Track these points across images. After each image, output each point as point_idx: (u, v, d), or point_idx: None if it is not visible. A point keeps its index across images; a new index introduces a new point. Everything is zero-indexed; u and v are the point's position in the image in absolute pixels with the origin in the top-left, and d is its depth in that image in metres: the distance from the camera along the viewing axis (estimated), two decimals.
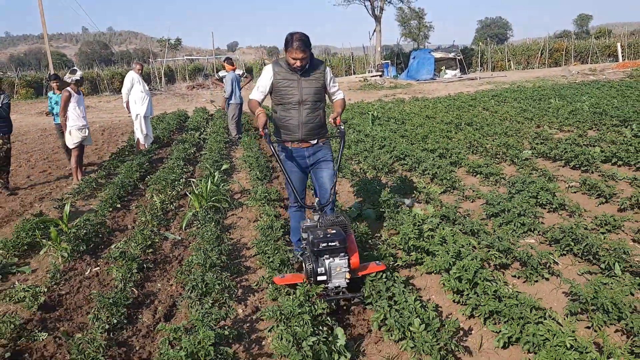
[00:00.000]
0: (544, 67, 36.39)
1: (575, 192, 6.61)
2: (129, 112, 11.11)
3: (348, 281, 3.89)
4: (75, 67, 10.15)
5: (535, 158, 8.42)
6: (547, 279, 4.20)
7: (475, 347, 3.40)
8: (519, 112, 13.51)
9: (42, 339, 3.77)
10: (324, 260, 3.86)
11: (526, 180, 6.57)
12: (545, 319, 3.23)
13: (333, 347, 3.16)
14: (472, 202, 6.52)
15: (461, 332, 3.56)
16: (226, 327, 3.60)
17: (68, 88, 8.55)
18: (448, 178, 7.15)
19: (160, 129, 13.74)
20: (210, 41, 35.55)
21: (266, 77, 4.45)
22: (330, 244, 3.79)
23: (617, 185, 6.69)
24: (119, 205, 7.15)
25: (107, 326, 3.75)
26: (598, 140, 9.01)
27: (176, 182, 7.77)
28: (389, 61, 34.81)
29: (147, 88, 11.13)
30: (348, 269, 3.86)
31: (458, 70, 31.74)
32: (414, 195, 6.75)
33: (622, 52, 34.47)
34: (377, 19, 34.35)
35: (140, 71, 11.00)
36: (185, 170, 8.84)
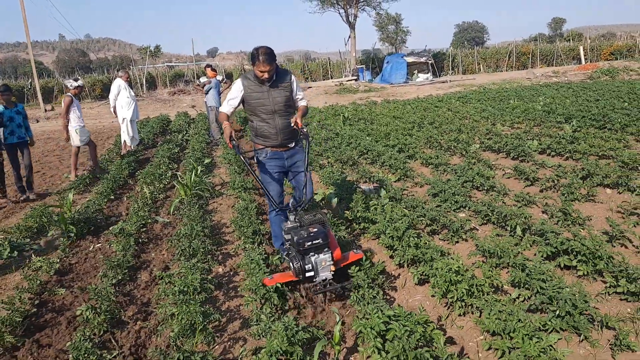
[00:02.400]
0: (512, 69, 37.90)
1: (509, 178, 7.70)
2: (116, 116, 12.02)
3: (333, 273, 4.15)
4: (77, 77, 11.14)
5: (482, 151, 9.53)
6: (466, 240, 5.27)
7: (400, 285, 4.46)
8: (479, 111, 14.66)
9: (61, 293, 4.74)
10: (309, 257, 4.08)
11: (465, 168, 7.68)
12: (446, 259, 4.28)
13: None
14: (420, 187, 7.58)
15: (392, 277, 4.61)
16: (209, 278, 4.61)
17: (69, 93, 9.54)
18: (402, 168, 8.21)
19: (145, 132, 14.65)
20: (190, 47, 36.42)
21: (236, 91, 4.73)
22: (314, 242, 4.02)
23: (546, 171, 7.81)
24: (112, 197, 8.10)
25: (113, 281, 4.73)
26: (539, 135, 10.17)
27: (163, 176, 8.74)
28: (363, 66, 35.99)
29: (133, 94, 12.05)
30: (332, 262, 4.11)
31: (430, 73, 32.98)
32: (367, 182, 7.80)
33: (585, 55, 36.11)
34: (352, 26, 35.48)
35: (126, 79, 11.94)
36: (170, 167, 9.79)
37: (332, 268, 4.10)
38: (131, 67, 38.08)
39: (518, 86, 24.00)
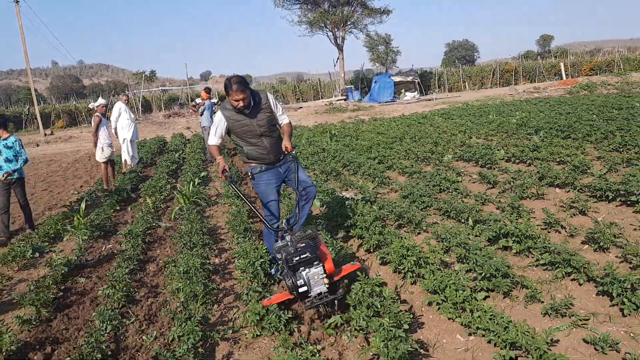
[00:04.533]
0: (497, 86, 39.20)
1: (474, 182, 8.62)
2: (117, 137, 12.92)
3: (328, 287, 4.10)
4: (100, 97, 12.34)
5: (455, 160, 10.47)
6: (427, 231, 6.15)
7: (368, 266, 5.34)
8: (458, 126, 15.64)
9: (82, 282, 5.59)
10: (301, 272, 4.09)
11: (434, 174, 8.62)
12: (401, 240, 5.18)
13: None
14: (395, 192, 8.48)
15: (361, 261, 5.49)
16: (208, 262, 5.49)
17: (97, 113, 10.57)
18: (379, 177, 9.12)
19: (144, 152, 15.58)
20: (183, 71, 37.59)
21: (219, 123, 4.89)
22: (302, 256, 4.04)
23: (507, 176, 8.73)
24: (118, 208, 8.96)
25: (126, 270, 5.57)
26: (506, 145, 11.13)
27: (163, 189, 9.61)
28: (352, 86, 37.27)
29: (132, 116, 12.98)
30: (325, 275, 4.09)
31: (417, 92, 34.16)
32: (348, 189, 8.70)
33: (566, 71, 37.47)
34: (340, 48, 36.82)
35: (126, 101, 12.89)
36: (169, 181, 10.67)
37: (326, 281, 4.09)
38: (127, 91, 39.14)
39: (500, 102, 25.01)
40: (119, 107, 12.63)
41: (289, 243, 4.29)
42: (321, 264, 4.13)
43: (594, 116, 14.36)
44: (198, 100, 14.69)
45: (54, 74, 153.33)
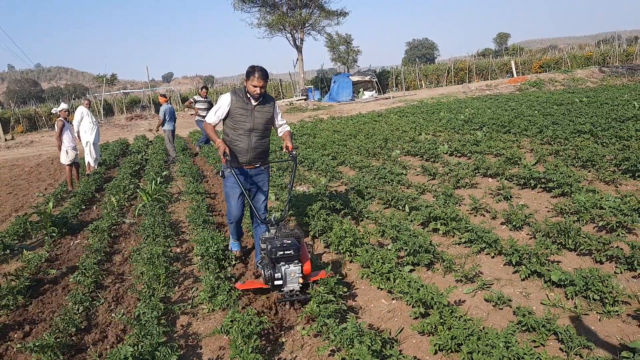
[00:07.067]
0: (452, 84, 40.49)
1: (417, 175, 9.39)
2: (80, 140, 13.28)
3: (301, 285, 4.41)
4: (61, 101, 12.59)
5: (403, 155, 11.24)
6: (368, 218, 6.85)
7: (314, 250, 6.00)
8: (410, 123, 16.47)
9: (53, 273, 6.09)
10: (280, 266, 4.36)
11: (380, 168, 9.35)
12: (344, 225, 5.85)
13: (230, 255, 5.66)
14: (345, 185, 9.17)
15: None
16: (169, 250, 6.06)
17: (60, 118, 10.93)
18: (331, 171, 9.80)
19: (107, 155, 15.90)
20: (145, 73, 37.61)
21: (224, 104, 5.01)
22: (286, 252, 4.29)
23: (448, 168, 9.51)
24: (83, 207, 9.40)
25: (94, 261, 6.09)
26: (450, 140, 11.96)
27: (127, 188, 10.08)
28: (312, 86, 37.97)
29: (94, 119, 13.37)
30: (301, 275, 4.37)
31: (375, 91, 35.08)
32: (302, 183, 9.36)
33: (517, 69, 38.98)
34: (299, 49, 37.49)
35: (88, 106, 13.28)
36: (132, 181, 11.12)
37: (301, 280, 4.37)
38: (88, 94, 38.97)
39: (454, 100, 26.04)
40: (81, 111, 13.01)
41: (275, 236, 4.58)
42: (300, 264, 4.41)
43: (535, 112, 15.39)
44: (196, 97, 14.97)
45: (11, 78, 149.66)
